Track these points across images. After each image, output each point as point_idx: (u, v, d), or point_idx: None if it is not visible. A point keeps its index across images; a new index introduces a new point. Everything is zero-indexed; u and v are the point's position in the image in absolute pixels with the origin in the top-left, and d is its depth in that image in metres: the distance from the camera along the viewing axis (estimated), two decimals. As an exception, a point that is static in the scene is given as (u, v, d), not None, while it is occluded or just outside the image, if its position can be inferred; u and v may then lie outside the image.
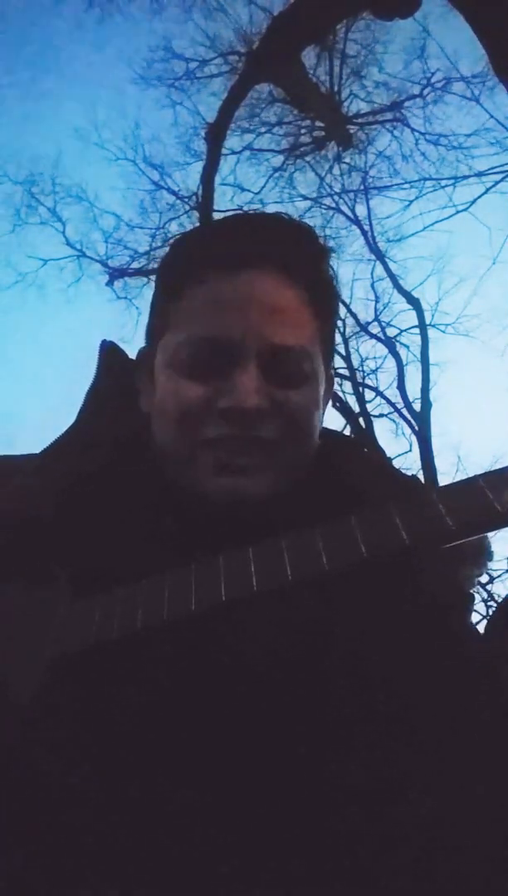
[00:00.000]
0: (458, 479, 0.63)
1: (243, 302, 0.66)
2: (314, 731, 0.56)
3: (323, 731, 0.56)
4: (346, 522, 0.57)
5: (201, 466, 0.66)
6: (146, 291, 9.46)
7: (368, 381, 10.47)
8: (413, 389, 9.83)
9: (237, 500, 0.65)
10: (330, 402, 0.79)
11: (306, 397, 0.68)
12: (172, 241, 0.79)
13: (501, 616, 0.72)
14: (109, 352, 0.85)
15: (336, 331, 0.82)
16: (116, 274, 9.76)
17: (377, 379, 10.47)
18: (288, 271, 0.68)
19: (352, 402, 10.08)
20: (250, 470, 0.65)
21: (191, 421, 0.66)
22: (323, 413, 0.75)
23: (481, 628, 0.70)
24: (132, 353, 0.81)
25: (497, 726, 0.57)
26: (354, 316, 10.22)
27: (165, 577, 0.60)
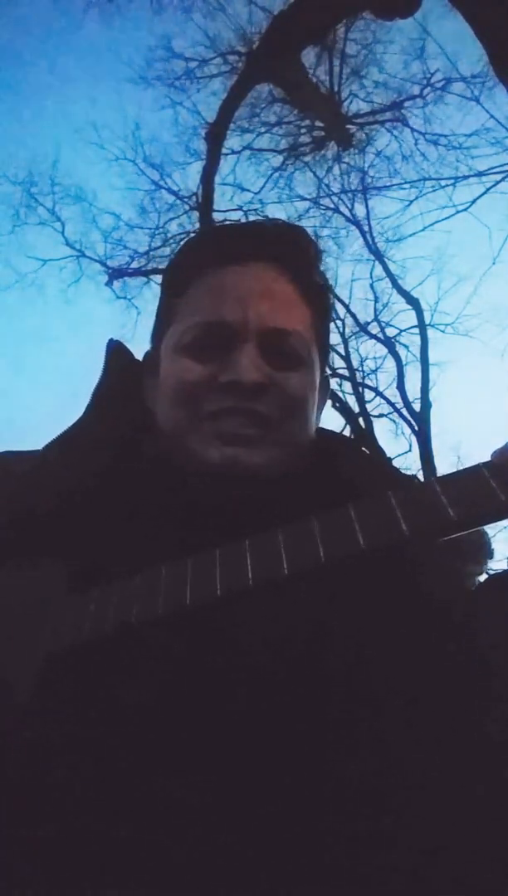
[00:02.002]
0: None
1: (243, 289, 0.70)
2: (314, 727, 0.56)
3: (323, 728, 0.56)
4: (344, 513, 0.56)
5: (203, 438, 0.68)
6: (146, 291, 9.46)
7: (368, 381, 10.47)
8: (413, 389, 9.82)
9: (238, 469, 0.66)
10: (329, 403, 0.80)
11: (302, 379, 0.71)
12: (177, 245, 0.81)
13: (493, 586, 0.73)
14: (116, 351, 0.85)
15: (334, 333, 0.84)
16: (115, 274, 9.75)
17: (376, 379, 10.46)
18: (285, 266, 0.73)
19: (352, 402, 10.07)
20: (251, 442, 0.67)
21: (193, 397, 0.69)
22: (320, 411, 0.77)
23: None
24: (133, 352, 0.83)
25: (496, 723, 0.57)
26: (353, 316, 10.20)
27: (161, 571, 0.60)
